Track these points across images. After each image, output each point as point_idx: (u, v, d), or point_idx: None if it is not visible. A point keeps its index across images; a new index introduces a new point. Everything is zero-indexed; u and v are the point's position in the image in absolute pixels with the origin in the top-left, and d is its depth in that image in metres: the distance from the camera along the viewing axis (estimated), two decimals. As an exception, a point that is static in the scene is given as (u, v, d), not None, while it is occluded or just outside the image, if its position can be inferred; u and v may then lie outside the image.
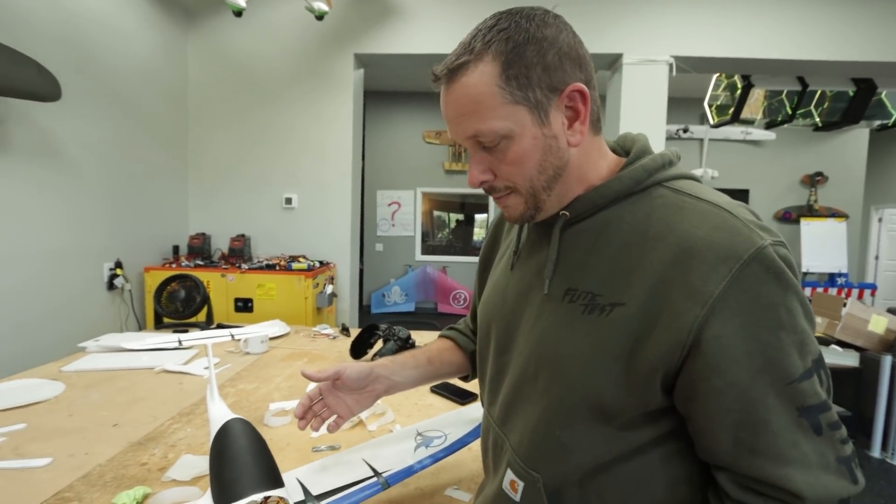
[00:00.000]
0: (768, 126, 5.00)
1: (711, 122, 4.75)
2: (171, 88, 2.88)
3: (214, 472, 0.60)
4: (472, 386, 1.20)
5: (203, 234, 2.96)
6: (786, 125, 4.69)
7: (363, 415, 1.05)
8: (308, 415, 0.68)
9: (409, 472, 0.73)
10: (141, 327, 2.57)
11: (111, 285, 2.39)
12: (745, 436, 0.42)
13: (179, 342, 1.21)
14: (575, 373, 0.48)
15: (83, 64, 2.20)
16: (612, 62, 3.10)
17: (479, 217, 6.37)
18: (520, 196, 0.52)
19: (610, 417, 0.48)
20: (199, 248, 2.89)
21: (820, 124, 4.66)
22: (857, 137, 5.69)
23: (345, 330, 1.89)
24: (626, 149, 0.56)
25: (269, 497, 0.56)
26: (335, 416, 0.69)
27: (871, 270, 5.97)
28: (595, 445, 0.49)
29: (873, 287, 5.15)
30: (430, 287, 5.97)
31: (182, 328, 1.92)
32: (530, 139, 0.48)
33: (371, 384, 0.69)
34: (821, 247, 5.21)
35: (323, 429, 0.69)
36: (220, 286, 2.58)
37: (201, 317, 2.02)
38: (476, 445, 0.81)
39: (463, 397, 1.19)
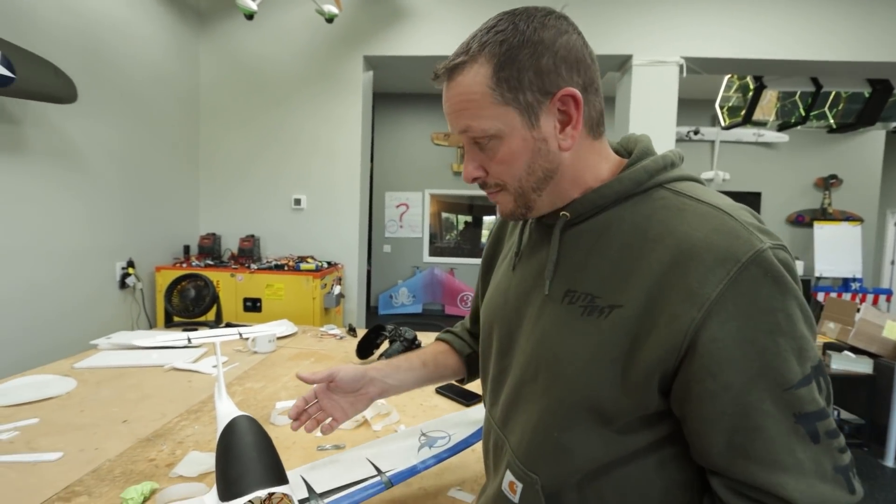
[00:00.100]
0: (781, 128, 4.94)
1: (723, 123, 4.71)
2: (183, 91, 2.92)
3: (220, 468, 0.61)
4: (477, 387, 1.19)
5: (213, 234, 2.99)
6: (799, 127, 4.62)
7: (368, 415, 1.06)
8: (303, 416, 0.69)
9: (412, 471, 0.73)
10: (151, 326, 2.60)
11: (123, 284, 2.43)
12: (740, 440, 0.42)
13: (189, 340, 1.22)
14: (574, 374, 0.48)
15: (98, 67, 2.24)
16: (622, 63, 3.09)
17: (487, 219, 6.36)
18: (509, 194, 0.53)
19: (608, 420, 0.47)
20: (210, 248, 2.93)
21: (834, 126, 4.59)
22: (873, 139, 5.58)
23: (352, 330, 1.90)
24: (629, 150, 0.55)
25: (273, 493, 0.57)
26: (330, 419, 0.69)
27: (887, 275, 5.85)
28: (593, 448, 0.49)
29: (889, 293, 5.05)
30: (438, 289, 5.97)
31: (191, 327, 1.94)
32: (519, 140, 0.49)
33: (365, 387, 0.69)
34: (835, 251, 5.12)
35: (318, 430, 0.70)
36: (230, 286, 2.61)
37: (210, 316, 2.05)
38: (480, 447, 0.81)
39: (467, 398, 1.19)
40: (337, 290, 2.80)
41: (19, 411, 1.08)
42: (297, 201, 3.10)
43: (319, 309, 2.64)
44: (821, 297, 4.93)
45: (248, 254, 2.92)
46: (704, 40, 2.92)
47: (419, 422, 0.99)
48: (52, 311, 2.04)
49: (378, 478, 0.70)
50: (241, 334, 1.11)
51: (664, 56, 2.93)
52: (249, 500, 0.54)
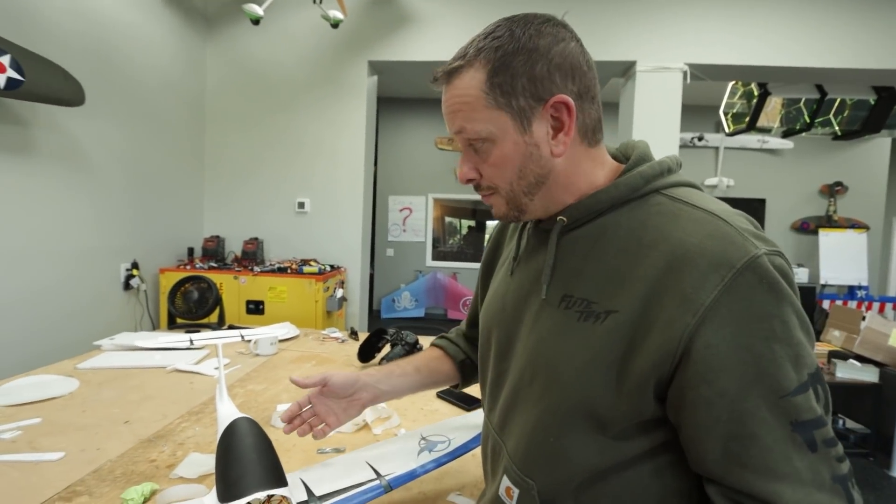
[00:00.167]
0: (786, 135, 4.92)
1: (727, 130, 4.70)
2: (189, 94, 2.95)
3: (220, 470, 0.61)
4: (478, 392, 1.19)
5: (217, 236, 3.01)
6: (804, 134, 4.61)
7: (369, 418, 1.06)
8: (296, 420, 0.69)
9: (411, 475, 0.73)
10: (155, 327, 2.61)
11: (127, 285, 2.44)
12: (736, 448, 0.41)
13: (191, 342, 1.23)
14: (569, 379, 0.48)
15: (106, 70, 2.27)
16: (626, 69, 3.09)
17: (490, 224, 6.36)
18: (501, 198, 0.54)
19: (604, 426, 0.47)
20: (213, 251, 2.94)
21: (839, 133, 4.57)
22: (879, 147, 5.56)
23: (353, 334, 1.90)
24: (627, 155, 0.56)
25: (272, 496, 0.57)
26: (322, 424, 0.69)
27: (893, 283, 5.80)
28: (589, 454, 0.48)
29: (895, 301, 5.01)
30: (441, 293, 5.97)
31: (194, 329, 1.95)
32: (511, 144, 0.50)
33: (357, 392, 0.70)
34: (840, 258, 5.09)
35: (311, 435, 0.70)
36: (233, 288, 2.62)
37: (213, 318, 2.06)
38: (480, 451, 0.81)
39: (468, 403, 1.19)
40: (339, 293, 2.81)
41: (22, 411, 1.08)
42: (301, 204, 3.12)
43: (322, 312, 2.64)
44: (826, 304, 4.89)
45: (251, 256, 2.93)
46: (708, 47, 2.92)
47: (420, 426, 0.99)
48: (57, 312, 2.05)
49: (377, 481, 0.70)
50: (242, 336, 1.12)
51: (668, 62, 2.93)
52: (248, 502, 0.55)
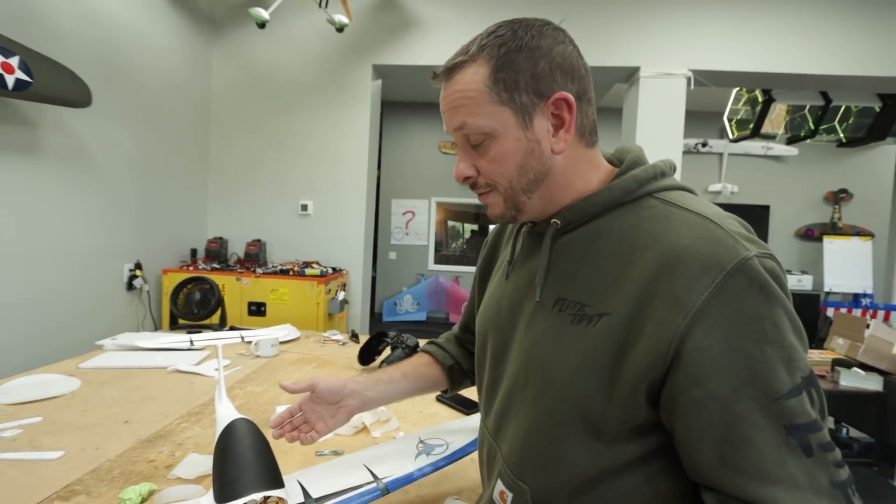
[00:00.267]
0: (790, 141, 4.91)
1: (731, 136, 4.69)
2: (195, 97, 2.97)
3: (217, 470, 0.61)
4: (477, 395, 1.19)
5: (221, 238, 3.02)
6: (808, 140, 4.59)
7: (368, 421, 1.06)
8: (286, 426, 0.70)
9: (408, 479, 0.73)
10: (157, 328, 2.62)
11: (130, 286, 2.46)
12: (729, 452, 0.41)
13: (191, 342, 1.23)
14: (563, 382, 0.48)
15: (113, 72, 2.29)
16: (629, 75, 3.09)
17: (493, 228, 6.36)
18: (499, 195, 0.53)
19: (597, 430, 0.47)
20: (217, 252, 2.96)
21: (844, 140, 4.56)
22: (885, 154, 5.54)
23: (354, 336, 1.90)
24: (622, 160, 0.56)
25: (268, 497, 0.57)
26: (311, 431, 0.69)
27: (899, 292, 5.76)
28: (582, 459, 0.48)
29: (901, 309, 4.97)
30: (442, 297, 5.97)
31: (196, 330, 1.96)
32: (513, 140, 0.50)
33: (344, 399, 0.70)
34: (844, 266, 5.06)
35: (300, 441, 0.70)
36: (235, 290, 2.63)
37: (215, 319, 2.06)
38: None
39: (468, 407, 1.19)
40: (341, 295, 2.81)
41: (23, 409, 1.09)
42: (304, 207, 3.13)
43: (323, 314, 2.64)
44: (830, 312, 4.86)
45: (254, 258, 2.95)
46: (712, 53, 2.92)
47: (418, 429, 0.99)
48: (62, 312, 2.06)
49: (374, 484, 0.69)
50: (242, 337, 1.12)
51: (672, 68, 2.94)
52: (244, 503, 0.55)
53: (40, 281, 1.95)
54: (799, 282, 5.20)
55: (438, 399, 1.25)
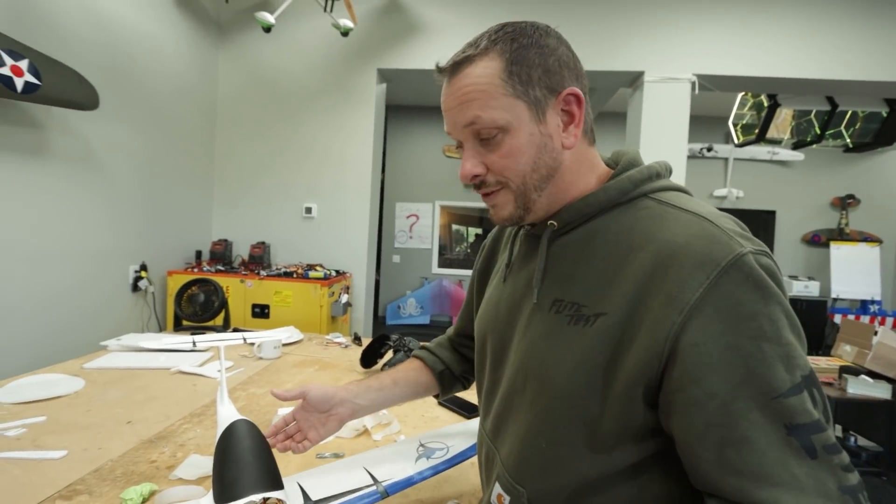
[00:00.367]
0: (796, 146, 4.88)
1: (736, 141, 4.67)
2: (201, 100, 3.00)
3: (217, 471, 0.61)
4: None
5: (225, 240, 3.04)
6: (815, 146, 4.57)
7: (369, 424, 1.06)
8: (280, 435, 0.70)
9: (408, 482, 0.72)
10: (162, 329, 2.63)
11: (135, 287, 2.47)
12: (729, 454, 0.40)
13: (194, 343, 1.24)
14: (560, 384, 0.48)
15: (120, 75, 2.31)
16: (634, 80, 3.09)
17: (491, 232, 6.35)
18: (510, 193, 0.52)
19: (594, 432, 0.47)
20: (221, 254, 2.97)
21: (851, 145, 4.53)
22: (892, 159, 5.49)
23: (357, 339, 1.91)
24: (618, 162, 0.56)
25: (267, 499, 0.57)
26: (304, 440, 0.69)
27: (907, 298, 5.69)
28: (580, 463, 0.48)
29: (909, 316, 4.91)
30: (446, 300, 5.96)
31: (199, 331, 1.96)
32: (527, 134, 0.49)
33: (334, 407, 0.69)
34: (852, 272, 5.01)
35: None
36: (239, 292, 2.64)
37: (219, 321, 2.07)
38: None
39: (469, 410, 1.18)
40: (344, 298, 2.81)
41: (28, 409, 1.10)
42: (308, 210, 3.14)
43: (326, 317, 2.65)
44: (838, 318, 4.81)
45: (258, 260, 2.96)
46: (717, 58, 2.92)
47: (419, 432, 0.99)
48: (68, 313, 2.08)
49: (374, 487, 0.69)
50: (245, 339, 1.12)
51: (676, 73, 2.93)
52: (243, 504, 0.55)
53: (46, 282, 1.97)
54: (806, 288, 5.15)
55: (440, 403, 1.25)
